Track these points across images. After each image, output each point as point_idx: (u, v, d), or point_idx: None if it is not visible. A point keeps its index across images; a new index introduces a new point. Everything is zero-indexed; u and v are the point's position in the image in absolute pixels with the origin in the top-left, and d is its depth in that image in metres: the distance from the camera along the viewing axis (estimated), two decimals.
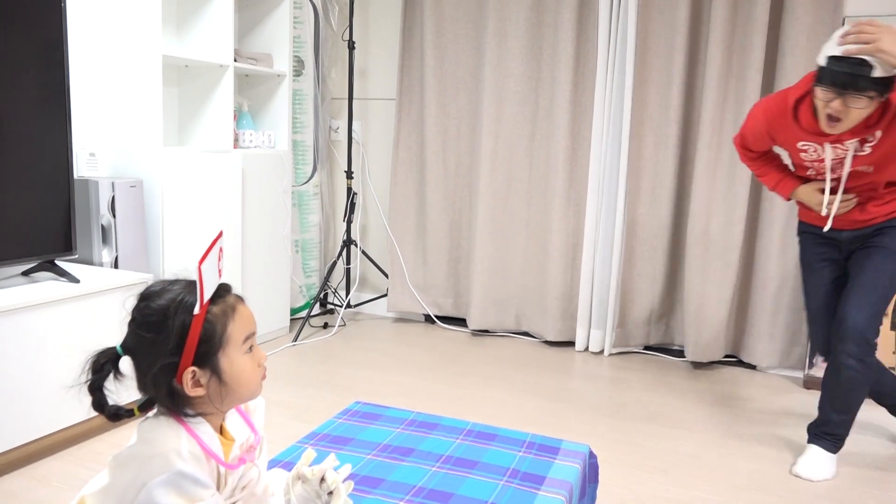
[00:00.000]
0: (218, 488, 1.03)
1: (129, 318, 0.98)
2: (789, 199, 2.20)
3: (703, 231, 3.22)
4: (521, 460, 1.40)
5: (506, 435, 1.52)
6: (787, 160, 2.21)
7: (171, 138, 3.18)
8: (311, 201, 3.89)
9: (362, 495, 1.24)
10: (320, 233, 4.03)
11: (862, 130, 1.85)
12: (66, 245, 2.33)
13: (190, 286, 0.98)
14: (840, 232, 2.14)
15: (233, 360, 0.99)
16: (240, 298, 1.03)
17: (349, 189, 3.83)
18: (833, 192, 2.01)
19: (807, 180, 2.13)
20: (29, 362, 2.07)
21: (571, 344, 3.61)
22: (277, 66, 3.46)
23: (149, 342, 0.95)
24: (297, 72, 3.70)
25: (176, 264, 2.84)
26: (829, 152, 1.94)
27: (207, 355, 0.97)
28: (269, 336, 3.49)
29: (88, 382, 0.98)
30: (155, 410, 1.00)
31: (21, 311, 2.05)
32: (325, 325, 3.78)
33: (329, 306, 4.09)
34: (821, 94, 1.78)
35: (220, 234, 1.01)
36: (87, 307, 2.24)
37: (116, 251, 2.61)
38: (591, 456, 1.50)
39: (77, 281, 2.27)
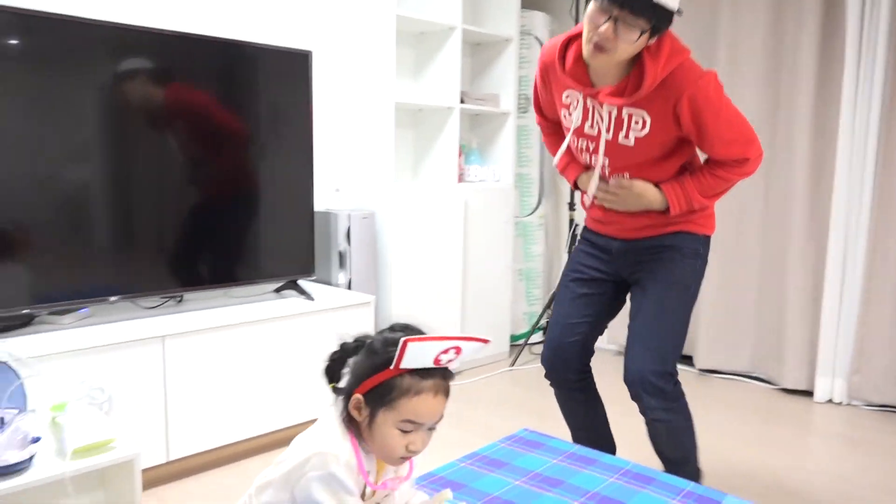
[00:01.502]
0: (362, 497, 1.15)
1: (373, 333, 1.16)
2: (576, 188, 1.91)
3: None
4: None
5: (665, 481, 1.44)
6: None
7: (406, 174, 3.51)
8: (535, 232, 3.99)
9: None
10: (544, 262, 4.11)
11: (619, 92, 1.57)
12: (308, 268, 2.71)
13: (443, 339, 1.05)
14: (611, 240, 1.84)
15: (386, 423, 1.08)
16: (440, 391, 1.08)
17: (571, 220, 3.85)
18: (603, 176, 1.76)
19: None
20: (271, 364, 2.44)
21: (810, 394, 3.20)
22: (503, 105, 3.64)
23: (363, 356, 1.11)
24: (524, 108, 3.84)
25: (401, 287, 3.12)
26: (590, 112, 1.65)
27: (376, 401, 1.08)
28: (488, 360, 3.63)
29: (339, 350, 1.15)
30: (341, 408, 1.14)
31: (269, 321, 2.43)
32: None
33: None
34: (594, 13, 1.48)
35: (468, 339, 1.06)
36: (320, 321, 2.57)
37: (350, 274, 2.95)
38: None
39: (312, 299, 2.63)
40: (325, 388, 1.17)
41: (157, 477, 2.21)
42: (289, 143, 2.62)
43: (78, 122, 2.12)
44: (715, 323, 3.45)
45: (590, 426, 2.01)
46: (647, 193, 1.69)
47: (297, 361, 2.51)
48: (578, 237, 2.04)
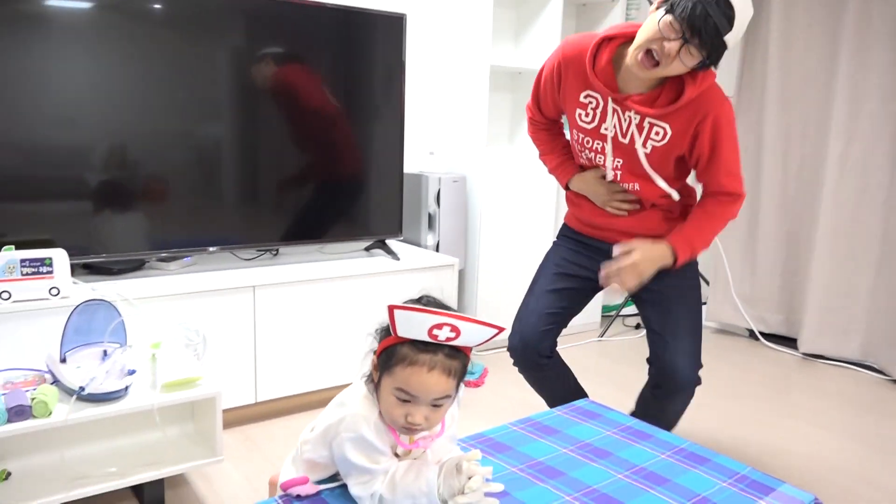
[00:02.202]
0: (396, 455, 1.19)
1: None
2: (567, 189, 1.87)
3: None
4: (718, 491, 1.26)
5: (720, 462, 1.38)
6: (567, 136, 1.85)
7: (502, 139, 3.49)
8: None
9: (536, 482, 1.28)
10: None
11: (649, 102, 1.57)
12: (396, 229, 2.78)
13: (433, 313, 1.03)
14: (608, 245, 1.76)
15: (386, 388, 1.09)
16: (437, 367, 1.05)
17: None
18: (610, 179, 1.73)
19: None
20: (354, 319, 2.54)
21: None
22: None
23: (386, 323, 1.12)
24: None
25: (490, 252, 3.13)
26: (609, 115, 1.62)
27: (383, 365, 1.10)
28: (577, 329, 3.59)
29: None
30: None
31: (354, 278, 2.52)
32: (637, 326, 3.73)
33: None
34: (665, 25, 1.43)
35: (458, 318, 1.03)
36: (404, 281, 2.64)
37: (438, 237, 2.99)
38: None
39: (398, 259, 2.70)
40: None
41: (245, 416, 2.38)
42: (382, 106, 2.67)
43: (206, 86, 2.27)
44: (824, 305, 3.22)
45: (566, 395, 1.96)
46: (656, 254, 1.68)
47: (375, 317, 2.60)
48: (557, 235, 1.99)
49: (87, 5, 2.08)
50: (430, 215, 2.99)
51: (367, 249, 2.83)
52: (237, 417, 2.36)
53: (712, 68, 1.54)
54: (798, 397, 2.84)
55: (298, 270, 2.45)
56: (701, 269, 3.68)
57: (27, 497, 1.63)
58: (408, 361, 1.06)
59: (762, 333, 3.53)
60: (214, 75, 2.32)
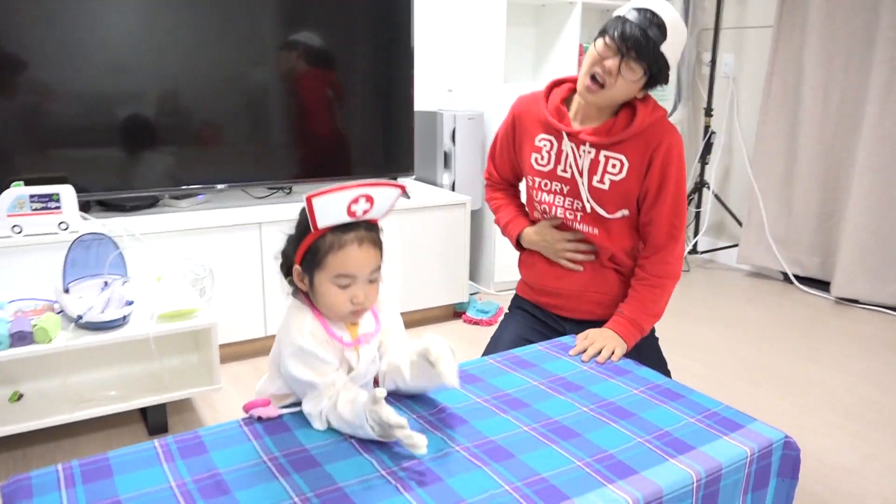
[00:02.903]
0: (348, 370, 1.20)
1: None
2: (518, 245, 1.74)
3: None
4: (684, 426, 1.22)
5: (695, 399, 1.33)
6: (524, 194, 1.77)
7: (524, 75, 3.38)
8: None
9: (497, 412, 1.27)
10: None
11: (604, 132, 1.52)
12: (408, 167, 2.74)
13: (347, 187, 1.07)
14: (563, 323, 1.68)
15: (323, 282, 1.11)
16: (364, 241, 1.09)
17: (706, 128, 3.52)
18: (564, 227, 1.63)
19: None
20: None
21: None
22: None
23: (292, 234, 1.15)
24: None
25: None
26: (565, 154, 1.57)
27: (310, 265, 1.11)
28: None
29: (284, 249, 1.19)
30: (293, 291, 1.20)
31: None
32: None
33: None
34: (602, 48, 1.45)
35: (374, 185, 1.07)
36: (414, 219, 2.62)
37: (455, 175, 2.95)
38: (790, 447, 1.22)
39: (409, 197, 2.67)
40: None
41: (255, 349, 2.43)
42: (391, 44, 2.61)
43: (241, 29, 2.26)
44: (859, 247, 3.05)
45: None
46: (611, 340, 1.54)
47: (388, 256, 2.60)
48: (509, 307, 1.81)
49: None
50: (445, 154, 2.94)
51: None
52: (248, 350, 2.42)
53: (661, 89, 1.55)
54: (827, 342, 2.73)
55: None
56: (734, 208, 3.56)
57: (38, 416, 1.72)
58: (337, 245, 1.08)
59: (797, 277, 3.39)
60: (245, 21, 2.30)
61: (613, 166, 1.55)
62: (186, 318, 1.83)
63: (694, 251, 3.72)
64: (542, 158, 1.63)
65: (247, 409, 1.25)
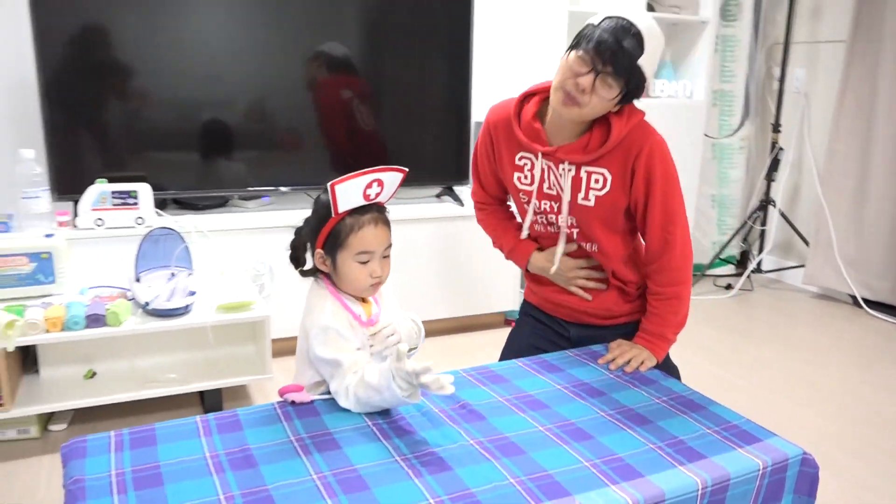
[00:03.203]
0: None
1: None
2: (527, 271, 1.66)
3: None
4: (699, 436, 1.23)
5: (715, 411, 1.33)
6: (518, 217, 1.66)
7: None
8: (734, 155, 3.63)
9: (516, 411, 1.31)
10: (743, 189, 3.74)
11: (580, 149, 1.43)
12: (462, 176, 2.81)
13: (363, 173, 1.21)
14: (568, 326, 1.65)
15: (345, 260, 1.25)
16: (379, 222, 1.24)
17: (773, 144, 3.43)
18: (577, 252, 1.57)
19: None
20: (418, 260, 2.63)
21: None
22: (702, 12, 3.29)
23: (310, 219, 1.29)
24: (732, 16, 3.44)
25: None
26: (545, 172, 1.49)
27: (332, 247, 1.25)
28: None
29: (296, 231, 1.33)
30: (315, 277, 1.32)
31: (422, 221, 2.61)
32: (728, 286, 3.55)
33: (744, 269, 3.80)
34: (574, 61, 1.34)
35: (384, 170, 1.22)
36: (468, 226, 2.69)
37: None
38: (808, 464, 1.20)
39: (462, 205, 2.74)
40: (294, 273, 1.33)
41: None
42: (450, 54, 2.69)
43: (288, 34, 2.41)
44: None
45: None
46: (641, 352, 1.53)
47: (443, 259, 2.68)
48: (520, 314, 1.78)
49: None
50: None
51: (437, 196, 2.89)
52: None
53: (636, 104, 1.44)
54: (892, 368, 2.62)
55: None
56: (802, 227, 3.44)
57: (108, 393, 1.88)
58: (357, 226, 1.22)
59: (866, 301, 3.25)
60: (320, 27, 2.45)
61: (596, 181, 1.46)
62: (243, 311, 1.95)
63: (758, 270, 3.63)
64: (526, 178, 1.53)
65: (281, 393, 1.34)
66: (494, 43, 3.14)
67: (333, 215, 1.22)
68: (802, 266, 3.47)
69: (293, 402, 1.31)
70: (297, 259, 1.32)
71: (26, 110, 2.35)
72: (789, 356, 2.70)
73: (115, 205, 2.14)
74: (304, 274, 1.33)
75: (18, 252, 1.91)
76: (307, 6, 2.44)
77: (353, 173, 1.18)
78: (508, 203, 1.72)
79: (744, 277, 3.55)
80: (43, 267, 1.94)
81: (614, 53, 1.31)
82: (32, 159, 2.10)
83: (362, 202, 1.23)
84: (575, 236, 1.55)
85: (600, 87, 1.34)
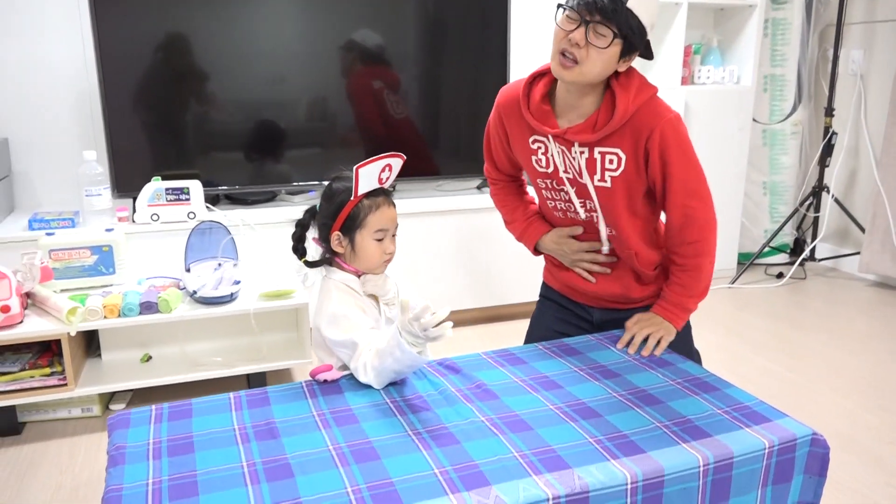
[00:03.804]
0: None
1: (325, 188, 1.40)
2: (537, 254, 1.68)
3: None
4: (708, 416, 1.24)
5: (729, 393, 1.33)
6: (533, 193, 1.67)
7: None
8: (786, 141, 3.53)
9: (529, 391, 1.35)
10: (796, 176, 3.63)
11: (589, 128, 1.41)
12: None
13: (379, 158, 1.32)
14: (590, 310, 1.66)
15: (364, 238, 1.34)
16: (391, 203, 1.35)
17: (826, 128, 3.33)
18: (584, 234, 1.58)
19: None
20: (457, 250, 2.69)
21: None
22: None
23: (322, 206, 1.38)
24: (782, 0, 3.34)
25: None
26: (556, 155, 1.47)
27: (350, 228, 1.34)
28: None
29: (298, 224, 1.42)
30: (323, 272, 1.41)
31: (464, 212, 2.68)
32: (780, 275, 3.47)
33: (798, 257, 3.69)
34: (562, 21, 1.34)
35: (396, 156, 1.34)
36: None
37: None
38: (818, 444, 1.20)
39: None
40: (298, 264, 1.41)
41: None
42: (486, 49, 2.73)
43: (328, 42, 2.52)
44: None
45: None
46: (659, 327, 1.53)
47: (475, 253, 2.73)
48: (539, 293, 1.78)
49: None
50: None
51: (478, 188, 2.94)
52: None
53: (642, 78, 1.40)
54: None
55: (409, 203, 2.64)
56: (857, 215, 3.32)
57: (161, 375, 2.02)
58: (375, 206, 1.33)
59: None
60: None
61: (611, 162, 1.44)
62: (284, 298, 2.06)
63: (812, 258, 3.52)
64: (542, 162, 1.52)
65: (313, 374, 1.42)
66: (532, 35, 3.16)
67: (353, 198, 1.31)
68: (858, 253, 3.35)
69: (325, 381, 1.39)
70: (300, 251, 1.42)
71: (91, 114, 2.53)
72: (835, 344, 2.63)
73: (168, 200, 2.28)
74: (311, 264, 1.41)
75: (82, 246, 2.07)
76: (360, 5, 2.53)
77: (369, 159, 1.28)
78: (522, 177, 1.72)
79: (795, 265, 3.45)
80: (104, 259, 2.09)
81: (598, 4, 1.27)
82: (94, 160, 2.26)
83: (376, 185, 1.34)
84: (595, 220, 1.54)
85: (592, 38, 1.30)
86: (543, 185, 1.57)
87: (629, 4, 1.29)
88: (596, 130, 1.41)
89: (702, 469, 1.11)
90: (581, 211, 1.55)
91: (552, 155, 1.49)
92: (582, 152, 1.45)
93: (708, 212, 1.50)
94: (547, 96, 1.47)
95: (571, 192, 1.52)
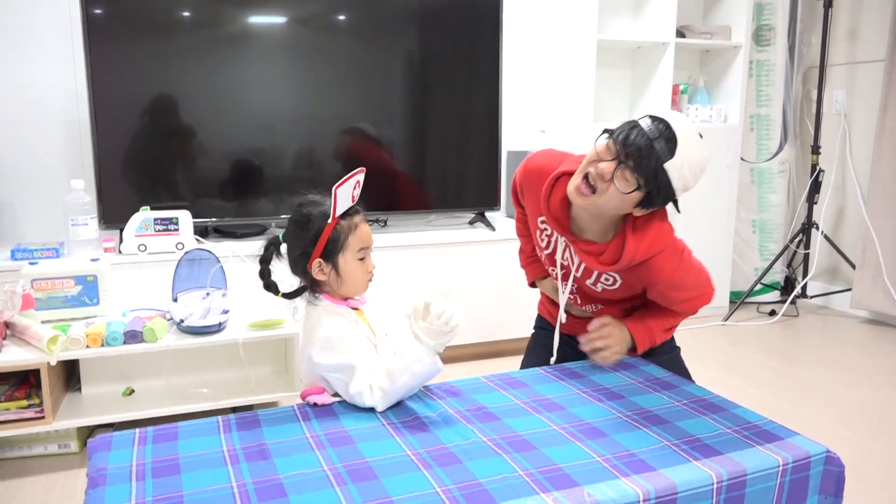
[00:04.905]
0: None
1: (291, 215, 1.33)
2: (532, 286, 1.78)
3: None
4: (717, 434, 1.19)
5: (737, 413, 1.30)
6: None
7: (619, 117, 3.41)
8: (774, 179, 3.57)
9: (532, 412, 1.31)
10: (784, 214, 3.66)
11: (595, 255, 1.44)
12: (493, 202, 2.85)
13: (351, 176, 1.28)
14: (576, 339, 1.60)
15: (347, 261, 1.29)
16: (362, 218, 1.32)
17: (813, 166, 3.37)
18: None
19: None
20: (452, 281, 2.66)
21: None
22: (735, 37, 3.30)
23: (296, 235, 1.29)
24: (765, 41, 3.43)
25: None
26: (561, 247, 1.53)
27: (331, 253, 1.28)
28: (701, 312, 3.40)
29: (261, 260, 1.32)
30: (308, 298, 1.34)
31: (455, 245, 2.65)
32: (772, 313, 3.46)
33: (789, 295, 3.69)
34: (601, 148, 1.33)
35: (361, 171, 1.30)
36: (495, 250, 2.71)
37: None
38: (833, 462, 1.16)
39: (494, 230, 2.77)
40: (275, 299, 1.34)
41: None
42: (479, 85, 2.76)
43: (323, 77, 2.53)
44: None
45: None
46: (620, 343, 1.56)
47: (482, 286, 2.70)
48: (535, 327, 1.86)
49: (280, 22, 2.40)
50: None
51: (470, 223, 2.93)
52: None
53: (661, 224, 1.42)
54: None
55: (401, 237, 2.62)
56: (847, 251, 3.34)
57: (145, 408, 1.94)
58: (352, 227, 1.29)
59: None
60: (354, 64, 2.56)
61: (607, 280, 1.53)
62: (274, 328, 2.01)
63: (803, 295, 3.52)
64: (543, 242, 1.59)
65: (304, 395, 1.37)
66: (524, 72, 3.21)
67: (332, 220, 1.26)
68: (849, 290, 3.36)
69: (315, 405, 1.34)
70: (272, 286, 1.33)
71: (80, 146, 2.51)
72: (832, 378, 2.60)
73: (157, 231, 2.24)
74: (290, 296, 1.34)
75: (66, 275, 2.01)
76: (351, 53, 2.56)
77: (342, 178, 1.24)
78: None
79: (787, 303, 3.45)
80: (88, 290, 2.03)
81: (640, 150, 1.28)
82: (82, 189, 2.23)
83: (350, 203, 1.29)
84: (579, 301, 1.64)
85: (618, 179, 1.31)
86: (542, 257, 1.66)
87: (666, 164, 1.29)
88: (600, 263, 1.45)
89: (715, 487, 1.07)
90: (566, 291, 1.60)
91: (556, 239, 1.55)
92: (582, 263, 1.52)
93: (699, 289, 1.53)
94: (566, 198, 1.46)
95: (560, 274, 1.58)
